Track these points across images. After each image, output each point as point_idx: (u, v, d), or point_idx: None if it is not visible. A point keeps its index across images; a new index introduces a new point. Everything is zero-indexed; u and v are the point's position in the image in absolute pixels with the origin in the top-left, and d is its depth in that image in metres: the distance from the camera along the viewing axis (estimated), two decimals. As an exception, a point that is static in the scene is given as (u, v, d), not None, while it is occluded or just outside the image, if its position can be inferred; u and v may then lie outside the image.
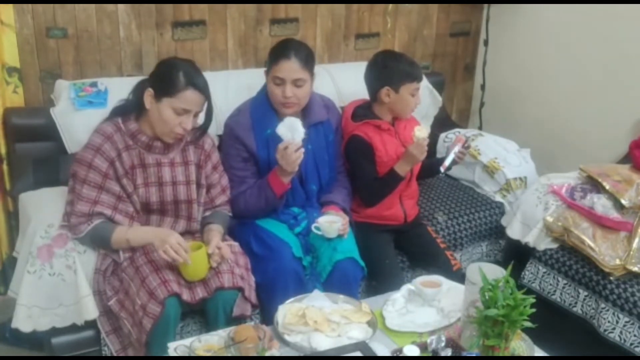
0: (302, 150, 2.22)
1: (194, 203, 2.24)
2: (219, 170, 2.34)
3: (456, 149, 2.54)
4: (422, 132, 2.42)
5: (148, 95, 2.08)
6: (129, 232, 2.09)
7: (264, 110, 2.41)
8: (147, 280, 1.99)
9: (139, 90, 2.14)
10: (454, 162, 2.56)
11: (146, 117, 2.13)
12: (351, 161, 2.59)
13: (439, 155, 3.13)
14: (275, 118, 2.38)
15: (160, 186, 2.18)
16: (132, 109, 2.16)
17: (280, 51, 2.34)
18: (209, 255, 2.06)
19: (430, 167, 2.66)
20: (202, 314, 2.18)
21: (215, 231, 2.21)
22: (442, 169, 2.56)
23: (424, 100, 2.97)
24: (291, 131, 2.22)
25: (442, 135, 3.29)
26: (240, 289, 2.10)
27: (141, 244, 2.08)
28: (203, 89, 2.10)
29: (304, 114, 2.43)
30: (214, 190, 2.31)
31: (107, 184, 2.09)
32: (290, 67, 2.31)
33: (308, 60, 2.36)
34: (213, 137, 2.38)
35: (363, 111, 2.61)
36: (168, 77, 2.07)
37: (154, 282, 1.98)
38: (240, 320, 2.10)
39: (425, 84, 3.19)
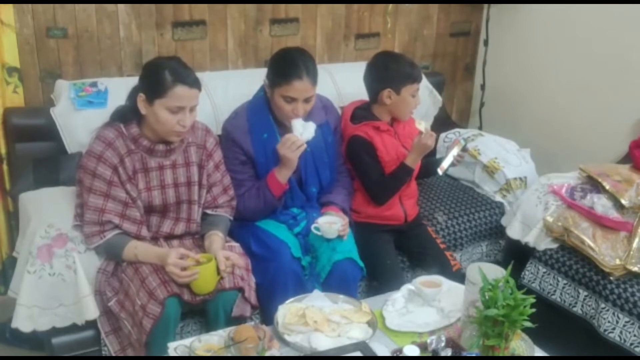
0: (304, 147, 2.28)
1: (194, 204, 2.24)
2: (221, 170, 2.33)
3: (454, 151, 2.54)
4: (422, 125, 2.49)
5: (141, 101, 2.08)
6: (137, 249, 2.09)
7: (261, 114, 2.41)
8: (147, 280, 2.00)
9: (133, 96, 2.13)
10: (452, 165, 2.56)
11: (146, 122, 2.12)
12: (355, 162, 2.58)
13: (438, 155, 3.13)
14: (272, 122, 2.40)
15: (163, 189, 2.18)
16: (131, 115, 2.14)
17: (292, 70, 2.28)
18: (219, 270, 2.04)
19: (428, 167, 2.65)
20: (202, 314, 2.18)
21: (219, 241, 2.18)
22: (440, 171, 2.55)
23: (424, 101, 2.98)
24: (303, 127, 2.30)
25: (442, 135, 3.28)
26: (241, 290, 2.10)
27: (147, 262, 2.09)
28: (192, 83, 2.07)
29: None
30: (216, 189, 2.30)
31: (112, 191, 2.09)
32: (304, 88, 2.29)
33: (316, 74, 2.35)
34: (216, 137, 2.36)
35: (362, 112, 2.61)
36: (155, 79, 2.06)
37: (153, 282, 1.99)
38: (240, 320, 2.10)
39: (425, 84, 3.19)
